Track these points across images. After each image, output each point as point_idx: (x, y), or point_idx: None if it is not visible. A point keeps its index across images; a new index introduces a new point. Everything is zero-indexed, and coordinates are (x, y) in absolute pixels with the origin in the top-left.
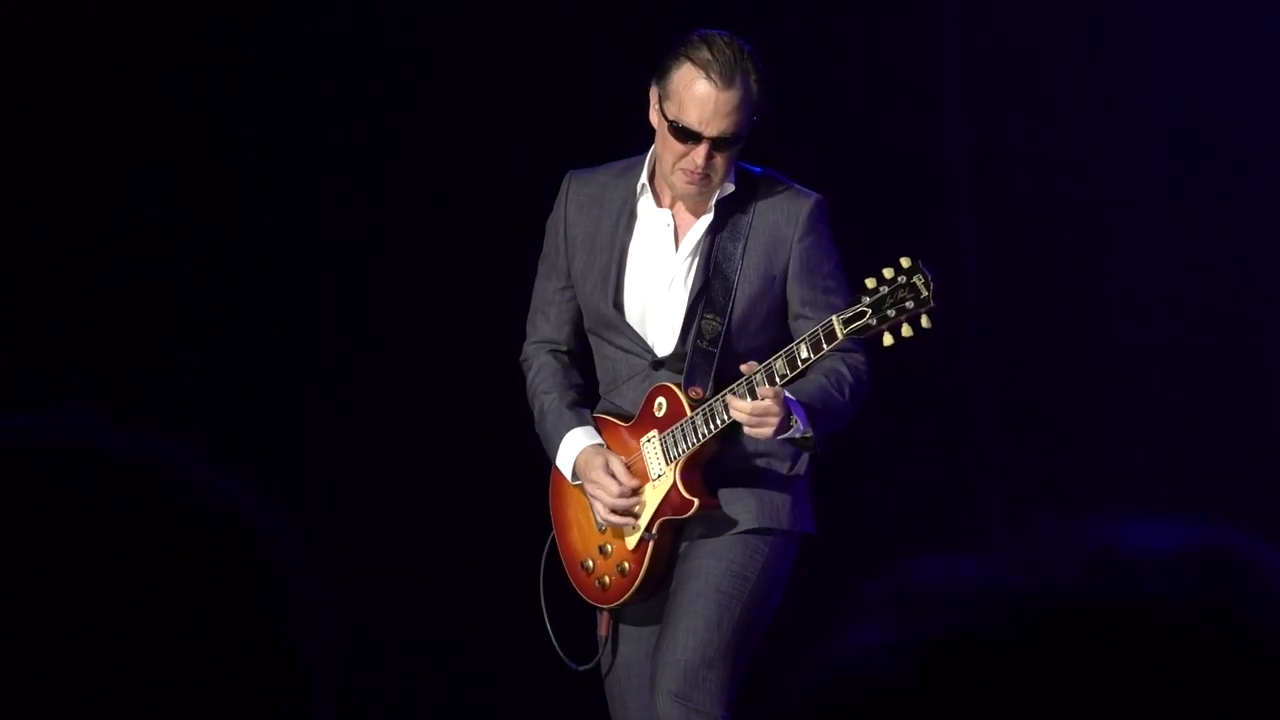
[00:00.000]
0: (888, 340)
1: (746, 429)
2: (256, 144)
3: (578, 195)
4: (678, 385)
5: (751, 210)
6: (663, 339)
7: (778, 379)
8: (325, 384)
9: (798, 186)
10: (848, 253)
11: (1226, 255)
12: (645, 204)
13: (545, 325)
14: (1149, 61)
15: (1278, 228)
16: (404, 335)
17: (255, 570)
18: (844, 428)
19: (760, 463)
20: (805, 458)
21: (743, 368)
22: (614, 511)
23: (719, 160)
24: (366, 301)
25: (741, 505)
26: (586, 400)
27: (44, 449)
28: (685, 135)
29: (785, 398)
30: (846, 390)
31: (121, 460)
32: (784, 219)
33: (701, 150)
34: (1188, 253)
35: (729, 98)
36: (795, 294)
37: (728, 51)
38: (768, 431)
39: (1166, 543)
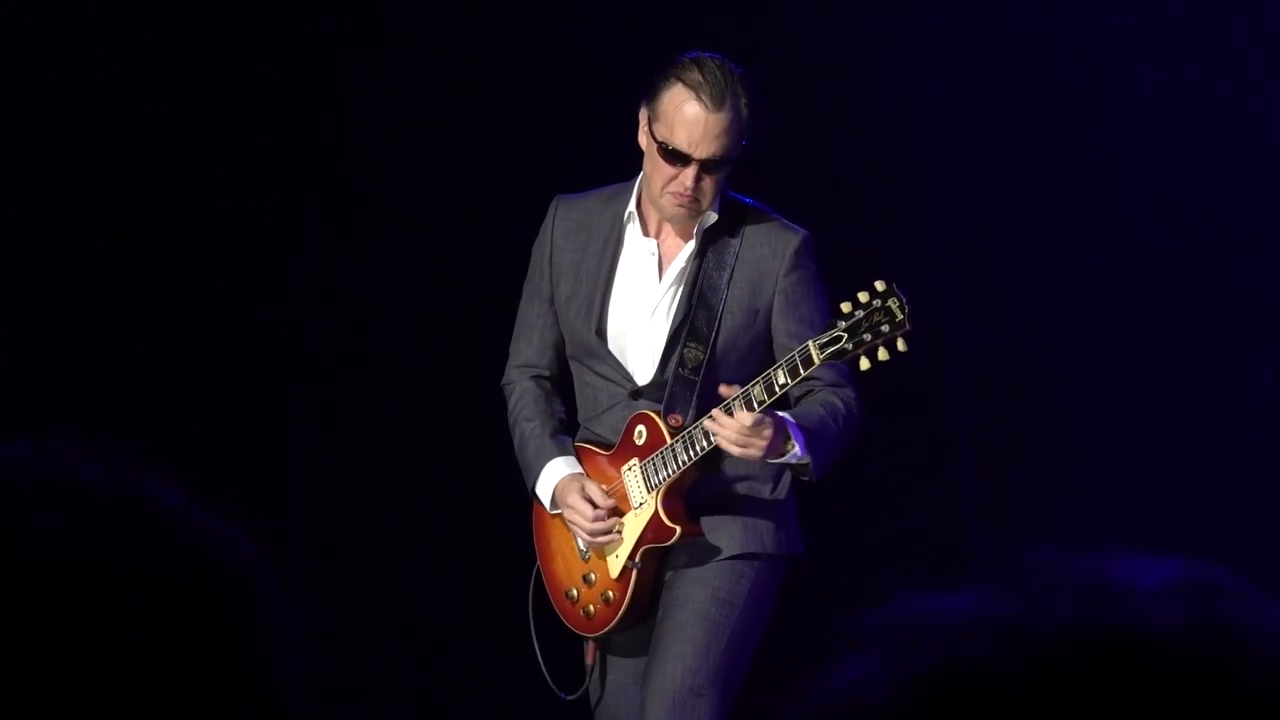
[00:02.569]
0: (864, 365)
1: (732, 449)
2: (232, 157)
3: (564, 221)
4: (657, 413)
5: (738, 242)
6: (643, 367)
7: (755, 405)
8: (308, 412)
9: (785, 221)
10: (827, 276)
11: (1214, 277)
12: (632, 232)
13: (528, 350)
14: (1133, 81)
15: (1265, 253)
16: (389, 359)
17: (233, 605)
18: (836, 459)
19: (741, 488)
20: (787, 480)
21: (723, 389)
22: (593, 535)
23: (707, 183)
24: (352, 322)
25: (725, 531)
26: (568, 429)
27: (21, 482)
28: (675, 157)
29: (786, 421)
30: (840, 421)
31: (100, 494)
32: (770, 253)
33: (691, 172)
34: (1173, 276)
35: (719, 120)
36: (780, 328)
37: (719, 74)
38: (754, 453)
39: (1154, 576)
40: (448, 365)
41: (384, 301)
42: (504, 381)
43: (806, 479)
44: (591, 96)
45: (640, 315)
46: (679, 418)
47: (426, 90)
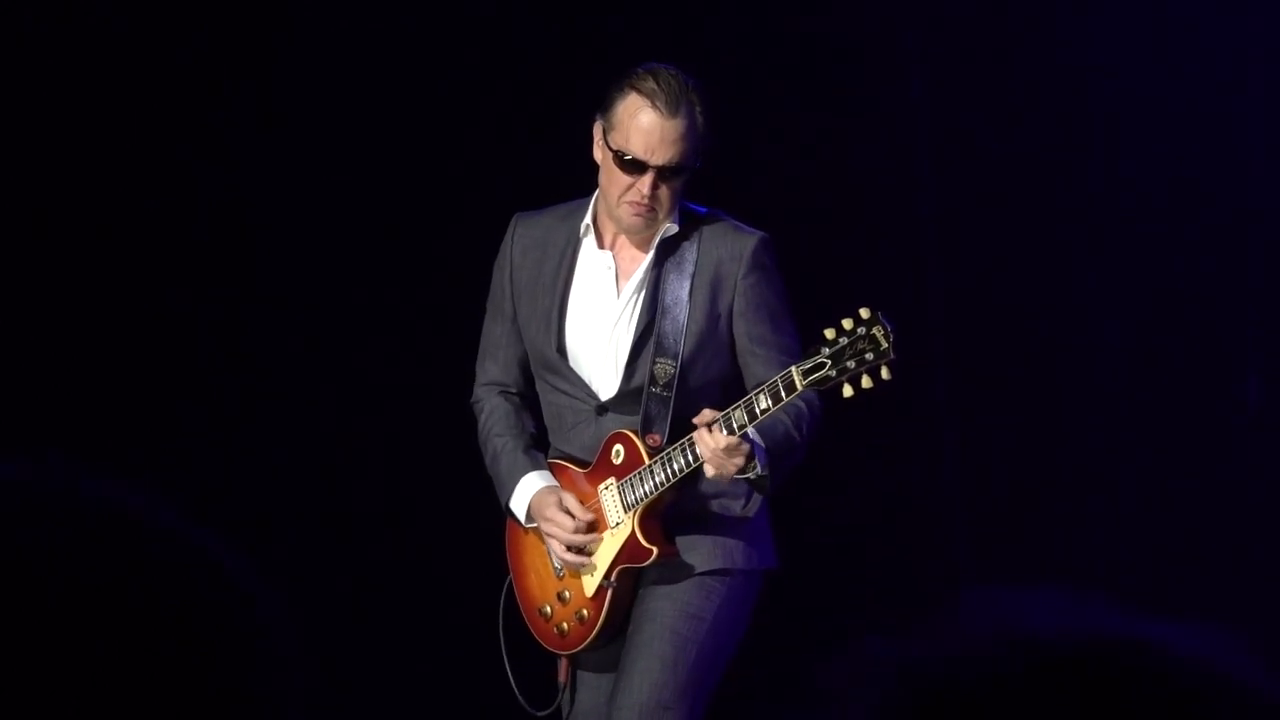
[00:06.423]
0: (848, 392)
1: (709, 468)
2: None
3: (523, 238)
4: (635, 432)
5: (696, 250)
6: (606, 382)
7: (736, 429)
8: (285, 428)
9: (742, 225)
10: (814, 294)
11: (1201, 293)
12: (588, 246)
13: (494, 367)
14: (1119, 107)
15: (1250, 270)
16: (364, 377)
17: (226, 622)
18: (796, 466)
19: (714, 505)
20: (757, 497)
21: (706, 414)
22: (570, 549)
23: (664, 191)
24: (329, 338)
25: (697, 549)
26: (540, 444)
27: (18, 500)
28: (631, 166)
29: (752, 442)
30: (804, 427)
31: (95, 512)
32: (728, 256)
33: (647, 180)
34: (1155, 298)
35: (674, 126)
36: (743, 331)
37: (673, 82)
38: (726, 473)
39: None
40: (427, 378)
41: (363, 316)
42: (472, 400)
43: (761, 493)
44: (560, 108)
45: (600, 329)
46: (657, 437)
47: (395, 101)
